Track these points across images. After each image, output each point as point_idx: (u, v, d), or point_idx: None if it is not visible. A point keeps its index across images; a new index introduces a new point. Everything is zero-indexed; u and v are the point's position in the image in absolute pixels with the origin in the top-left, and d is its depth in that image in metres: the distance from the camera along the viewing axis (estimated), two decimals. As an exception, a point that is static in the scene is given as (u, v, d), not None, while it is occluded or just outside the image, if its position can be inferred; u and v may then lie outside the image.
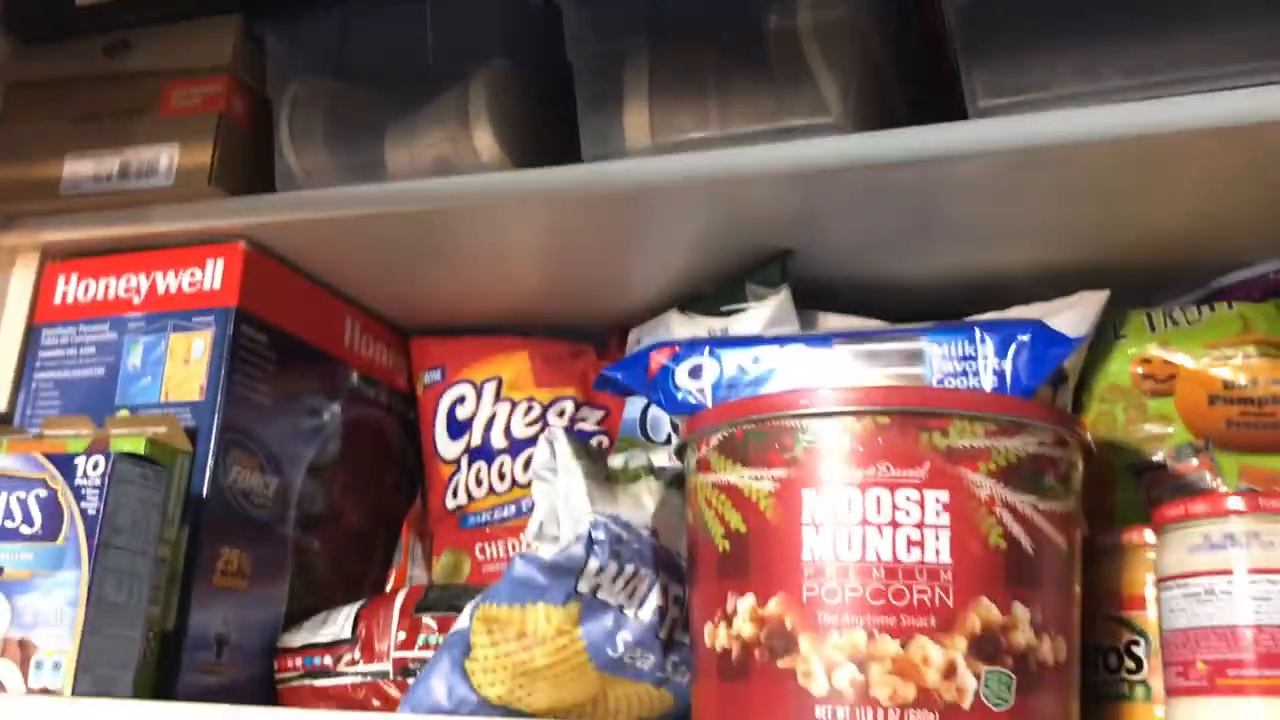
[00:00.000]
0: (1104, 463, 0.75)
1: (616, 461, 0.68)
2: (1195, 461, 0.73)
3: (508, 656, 0.64)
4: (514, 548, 0.89)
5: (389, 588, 0.93)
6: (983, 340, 0.59)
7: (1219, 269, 0.80)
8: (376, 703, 0.76)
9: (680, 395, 0.64)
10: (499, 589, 0.65)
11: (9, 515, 0.68)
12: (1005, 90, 0.63)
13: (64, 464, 0.68)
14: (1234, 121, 0.63)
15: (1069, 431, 0.58)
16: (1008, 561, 0.55)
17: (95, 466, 0.67)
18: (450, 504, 0.92)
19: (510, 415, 0.92)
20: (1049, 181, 0.70)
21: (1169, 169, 0.68)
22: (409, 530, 0.96)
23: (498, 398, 0.92)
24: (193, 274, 0.82)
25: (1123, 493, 0.75)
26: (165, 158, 0.81)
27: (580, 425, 0.91)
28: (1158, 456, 0.74)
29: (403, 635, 0.78)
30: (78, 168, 0.83)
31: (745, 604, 0.57)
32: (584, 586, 0.63)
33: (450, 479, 0.93)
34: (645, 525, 0.64)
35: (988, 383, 0.59)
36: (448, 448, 0.93)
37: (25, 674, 0.65)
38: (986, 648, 0.54)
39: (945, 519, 0.55)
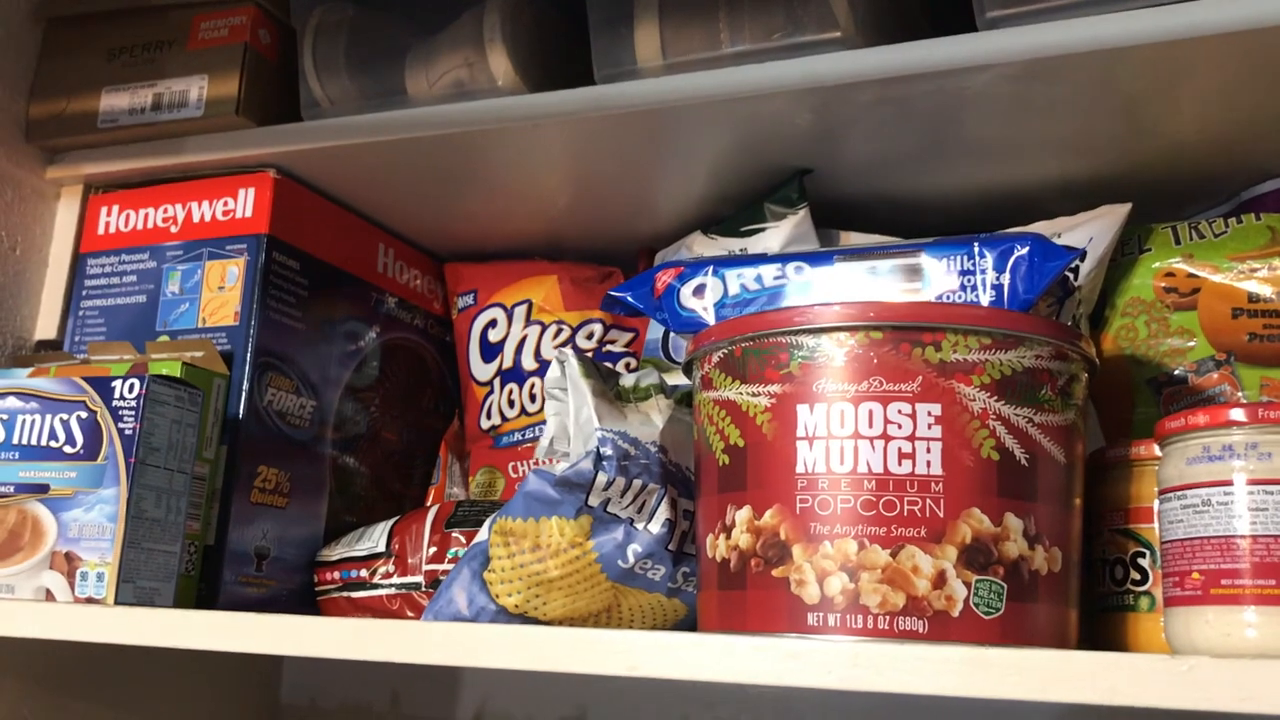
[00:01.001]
0: (1124, 377, 0.75)
1: (628, 380, 0.69)
2: (1216, 375, 0.72)
3: (523, 568, 0.67)
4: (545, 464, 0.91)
5: (427, 504, 0.96)
6: (981, 254, 0.59)
7: (1247, 180, 0.78)
8: (410, 613, 0.80)
9: (685, 314, 0.65)
10: (514, 503, 0.67)
11: (53, 435, 0.71)
12: (1012, 1, 0.62)
13: (102, 386, 0.71)
14: (1257, 24, 0.62)
15: (1069, 345, 0.58)
16: (1000, 473, 0.55)
17: (131, 389, 0.70)
18: (484, 424, 0.95)
19: (540, 337, 0.93)
20: (1065, 93, 0.69)
21: (1189, 77, 0.67)
22: (447, 449, 0.98)
23: (528, 320, 0.94)
24: (226, 203, 0.84)
25: (1143, 408, 0.75)
26: (195, 89, 0.83)
27: (609, 347, 0.93)
28: (1178, 370, 0.73)
29: (433, 549, 0.80)
30: (114, 101, 0.85)
31: (742, 515, 0.58)
32: (594, 500, 0.65)
33: (484, 400, 0.95)
34: (653, 441, 0.66)
35: (986, 297, 0.59)
36: (481, 370, 0.95)
37: (71, 584, 0.69)
38: (978, 557, 0.54)
39: (937, 431, 0.55)
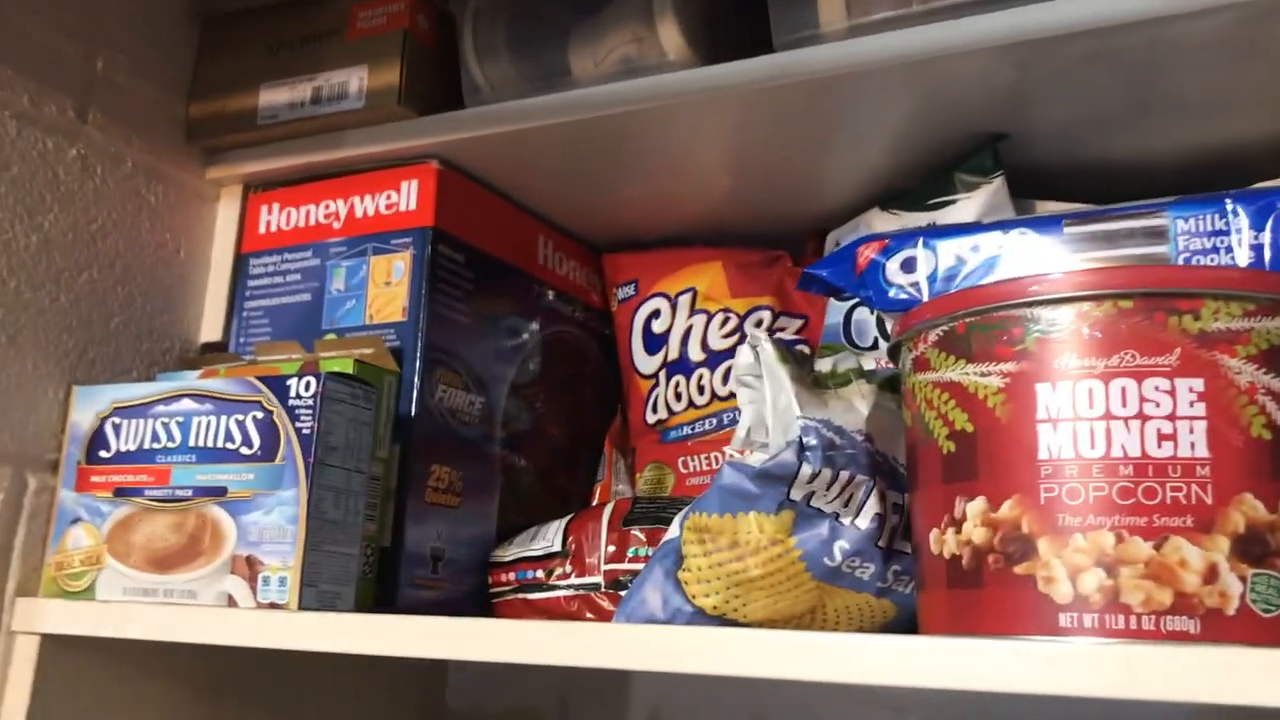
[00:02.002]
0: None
1: (824, 365, 0.64)
2: None
3: (721, 566, 0.63)
4: (716, 460, 0.87)
5: (594, 502, 0.93)
6: (1235, 212, 0.53)
7: None
8: (589, 615, 0.76)
9: (893, 291, 0.60)
10: (709, 498, 0.63)
11: (229, 437, 0.70)
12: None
13: (278, 386, 0.69)
14: None
15: (1340, 309, 0.52)
16: (1274, 454, 0.50)
17: (307, 387, 0.68)
18: (650, 419, 0.91)
19: (706, 327, 0.89)
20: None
21: None
22: (611, 445, 0.95)
23: (693, 310, 0.90)
24: (389, 196, 0.82)
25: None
26: (355, 80, 0.81)
27: (779, 334, 0.88)
28: None
29: (612, 548, 0.77)
30: (273, 96, 0.83)
31: (975, 507, 0.53)
32: (796, 494, 0.61)
33: (649, 394, 0.91)
34: (859, 430, 0.61)
35: (1243, 258, 0.53)
36: (645, 362, 0.92)
37: (254, 589, 0.67)
38: (1253, 548, 0.49)
39: (1200, 409, 0.50)
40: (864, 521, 0.61)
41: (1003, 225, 0.58)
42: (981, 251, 0.58)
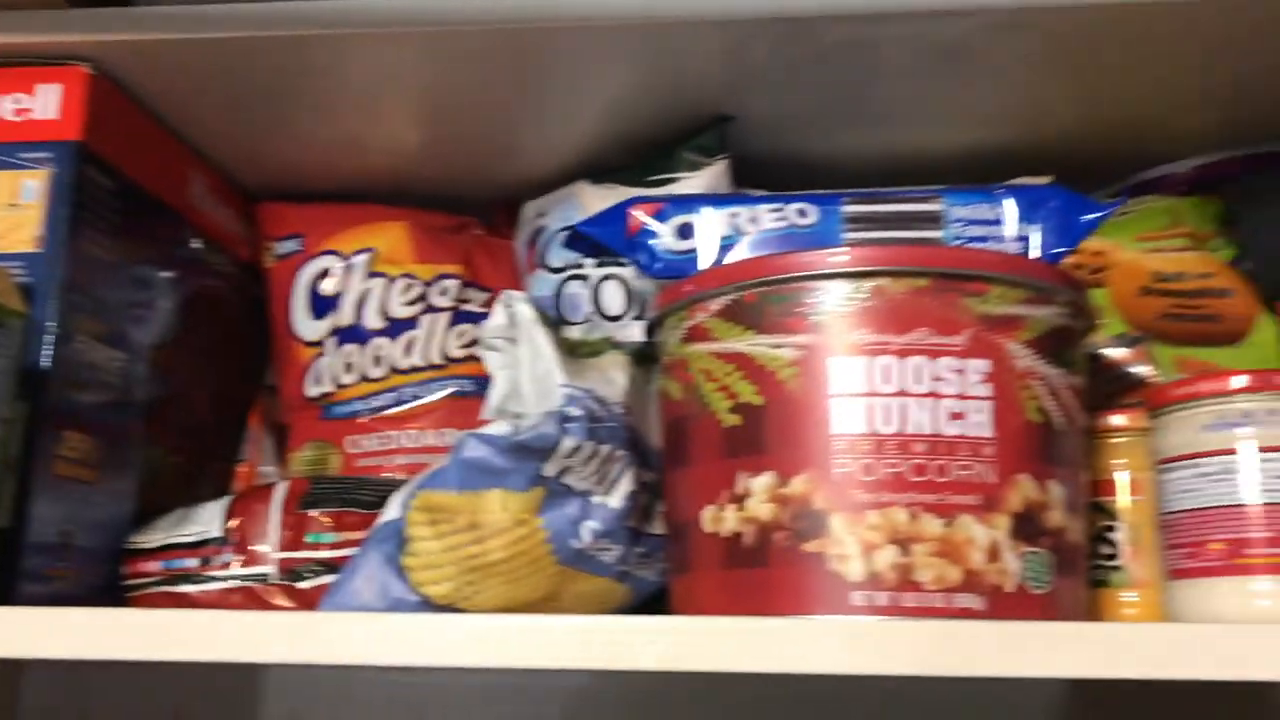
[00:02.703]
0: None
1: (575, 333, 0.60)
2: (1131, 353, 0.72)
3: (456, 550, 0.56)
4: (394, 440, 0.79)
5: (238, 486, 0.82)
6: (1006, 204, 0.55)
7: (1142, 163, 0.80)
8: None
9: (669, 257, 0.57)
10: (445, 474, 0.56)
11: None
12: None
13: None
14: None
15: (1086, 303, 0.55)
16: (1043, 438, 0.51)
17: (-76, 320, 0.53)
18: (312, 391, 0.81)
19: (387, 292, 0.81)
20: (989, 53, 0.65)
21: (1110, 51, 0.65)
22: (258, 421, 0.84)
23: (370, 272, 0.82)
24: (18, 100, 0.66)
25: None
26: (-15, -51, 0.65)
27: (465, 307, 0.82)
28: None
29: (287, 534, 0.67)
30: None
31: (762, 483, 0.51)
32: (550, 470, 0.56)
33: (312, 363, 0.82)
34: (618, 402, 0.57)
35: (1011, 249, 0.55)
36: (309, 328, 0.82)
37: None
38: (1027, 527, 0.50)
39: (987, 390, 0.50)
40: (616, 500, 0.57)
41: (784, 198, 0.57)
42: (759, 223, 0.56)
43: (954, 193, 0.55)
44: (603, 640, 0.47)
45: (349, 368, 0.81)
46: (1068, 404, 0.53)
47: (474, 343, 0.81)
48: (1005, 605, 0.49)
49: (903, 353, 0.50)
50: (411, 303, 0.81)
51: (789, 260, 0.52)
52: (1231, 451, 0.54)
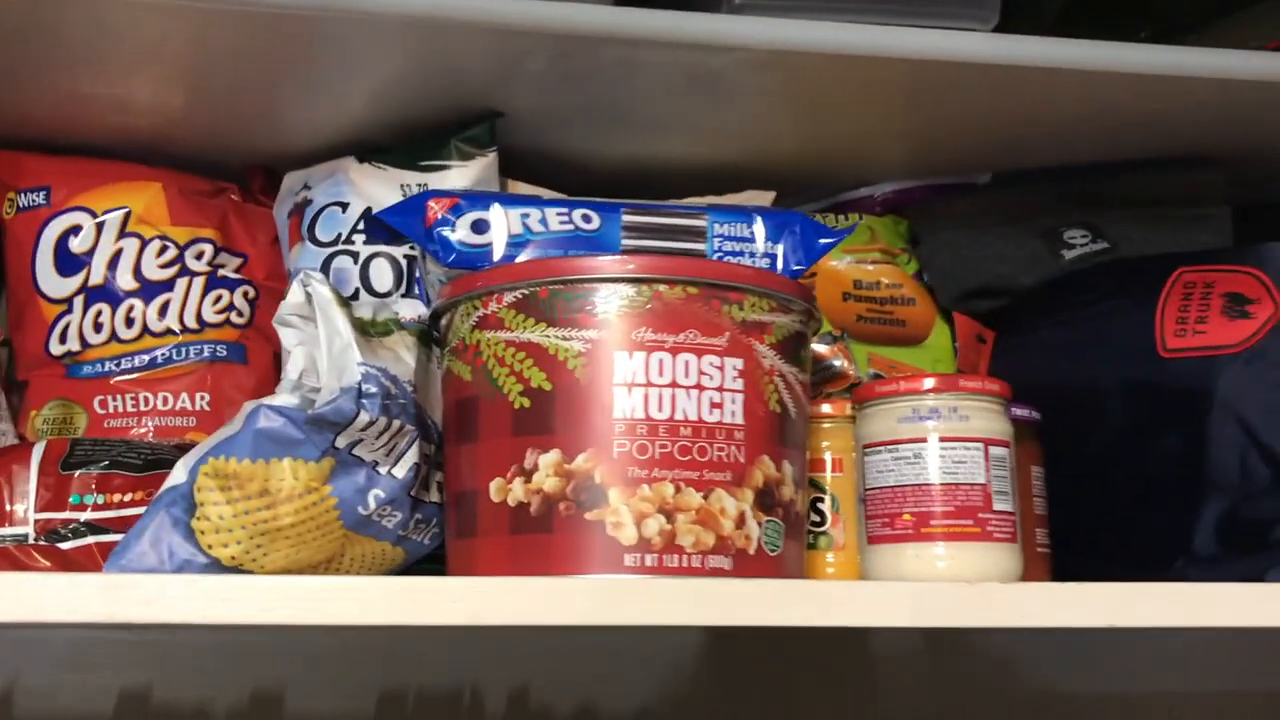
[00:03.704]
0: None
1: (364, 312, 0.64)
2: (834, 348, 0.84)
3: (246, 515, 0.59)
4: (146, 402, 0.79)
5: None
6: (757, 225, 0.64)
7: (846, 185, 0.92)
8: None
9: (464, 250, 0.62)
10: (237, 442, 0.59)
11: None
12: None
13: None
14: (864, 50, 0.71)
15: (815, 311, 0.65)
16: (781, 425, 0.61)
17: None
18: (56, 349, 0.80)
19: (141, 253, 0.81)
20: (736, 84, 0.74)
21: (830, 92, 0.75)
22: (-11, 378, 0.82)
23: (123, 232, 0.81)
24: None
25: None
26: None
27: (220, 271, 0.83)
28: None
29: (46, 495, 0.67)
30: None
31: (549, 459, 0.58)
32: (342, 442, 0.60)
33: (56, 320, 0.80)
34: (408, 380, 0.62)
35: (760, 264, 0.64)
36: (55, 284, 0.80)
37: None
38: (766, 500, 0.60)
39: (740, 384, 0.59)
40: (401, 471, 0.62)
41: (568, 204, 0.63)
42: (549, 224, 0.62)
43: (715, 211, 0.64)
44: (409, 600, 0.52)
45: (98, 327, 0.80)
46: (798, 396, 0.63)
47: (230, 308, 0.82)
48: (749, 566, 0.58)
49: (675, 350, 0.58)
50: (166, 265, 0.81)
51: (582, 263, 0.58)
52: (922, 440, 0.66)
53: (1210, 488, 0.73)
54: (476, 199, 0.62)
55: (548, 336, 0.58)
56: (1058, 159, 0.88)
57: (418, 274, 0.76)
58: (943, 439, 0.66)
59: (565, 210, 0.62)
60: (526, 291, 0.59)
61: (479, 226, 0.61)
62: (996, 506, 0.66)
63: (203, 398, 0.80)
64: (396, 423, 0.61)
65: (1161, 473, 0.75)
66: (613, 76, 0.74)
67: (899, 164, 0.90)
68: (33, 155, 0.82)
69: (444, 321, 0.64)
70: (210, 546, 0.59)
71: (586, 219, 0.62)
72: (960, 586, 0.60)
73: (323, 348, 0.60)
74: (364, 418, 0.59)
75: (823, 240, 0.64)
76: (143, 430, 0.79)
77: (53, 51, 0.71)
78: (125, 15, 0.66)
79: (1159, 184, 0.87)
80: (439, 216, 0.62)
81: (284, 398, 0.60)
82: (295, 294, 0.61)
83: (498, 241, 0.62)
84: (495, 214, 0.62)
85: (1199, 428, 0.73)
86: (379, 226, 0.64)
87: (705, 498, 0.58)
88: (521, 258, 0.62)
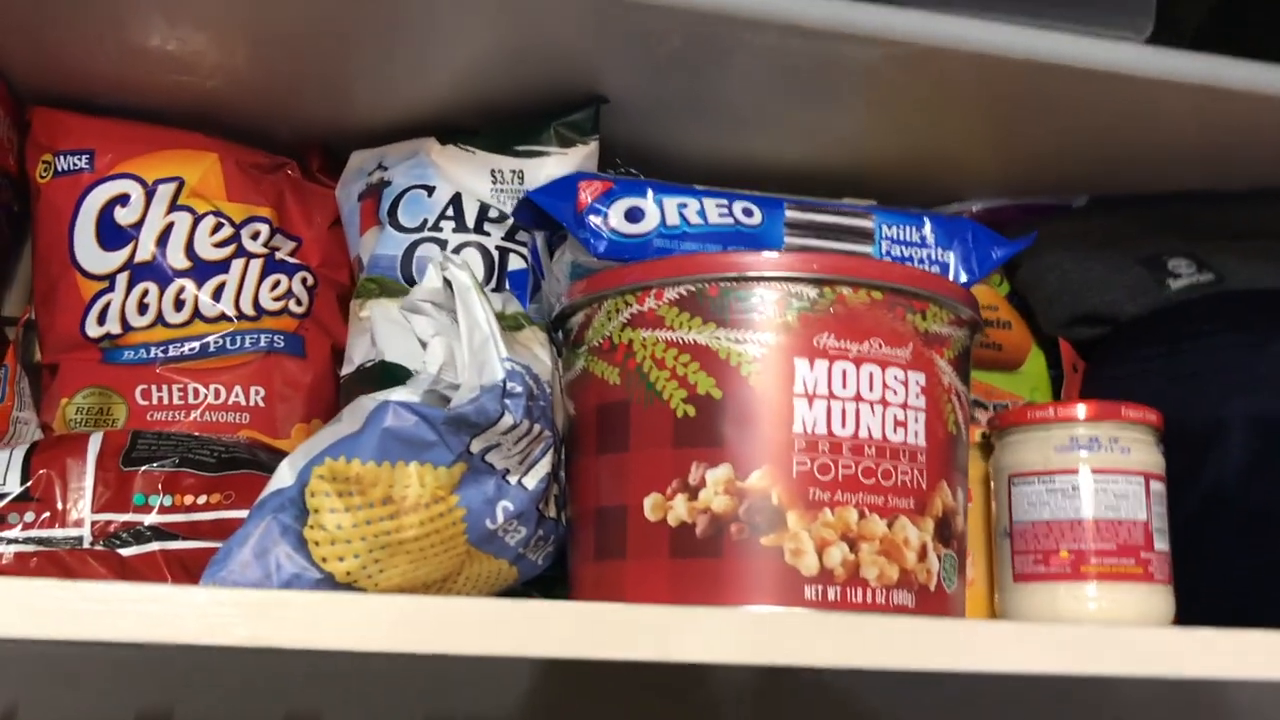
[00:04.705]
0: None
1: (495, 304, 0.57)
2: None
3: (368, 525, 0.52)
4: (196, 394, 0.71)
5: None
6: (928, 229, 0.59)
7: (939, 198, 0.88)
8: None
9: (620, 239, 0.55)
10: (361, 442, 0.52)
11: None
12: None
13: None
14: (1010, 53, 0.66)
15: (981, 328, 0.60)
16: (955, 448, 0.56)
17: None
18: (93, 331, 0.71)
19: (194, 229, 0.73)
20: (841, 73, 0.68)
21: (926, 92, 0.71)
22: (14, 358, 0.73)
23: (174, 204, 0.73)
24: None
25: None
26: None
27: (278, 254, 0.76)
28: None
29: (105, 493, 0.59)
30: None
31: (718, 475, 0.52)
32: (477, 446, 0.53)
33: (95, 299, 0.72)
34: (548, 380, 0.55)
35: (932, 272, 0.59)
36: (96, 258, 0.72)
37: None
38: (945, 530, 0.54)
39: (922, 401, 0.54)
40: (532, 481, 0.55)
41: (728, 195, 0.57)
42: (707, 217, 0.56)
43: (883, 212, 0.58)
44: (597, 630, 0.46)
45: (143, 308, 0.72)
46: (967, 417, 0.58)
47: (288, 294, 0.75)
48: (929, 603, 0.53)
49: (859, 360, 0.53)
50: (222, 244, 0.73)
51: (759, 259, 0.53)
52: (1079, 472, 0.61)
53: (1339, 530, 0.70)
54: (631, 185, 0.56)
55: (718, 338, 0.52)
56: (1157, 185, 0.85)
57: (509, 268, 0.70)
58: (1103, 471, 0.61)
59: (725, 203, 0.56)
60: (694, 287, 0.53)
61: (633, 215, 0.55)
62: (1157, 546, 0.61)
63: (258, 392, 0.72)
64: (537, 427, 0.54)
65: (1284, 512, 0.72)
66: (728, 67, 0.68)
67: (993, 180, 0.86)
68: (75, 114, 0.74)
69: (578, 318, 0.57)
70: (325, 560, 0.52)
71: (748, 213, 0.57)
72: (1189, 634, 0.54)
73: (463, 339, 0.53)
74: (507, 420, 0.52)
75: (997, 251, 0.59)
76: (188, 424, 0.71)
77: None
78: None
79: (1261, 215, 0.84)
80: (590, 203, 0.55)
81: (411, 393, 0.53)
82: (431, 278, 0.54)
83: (650, 231, 0.56)
84: (650, 202, 0.55)
85: (1332, 468, 0.70)
86: (525, 209, 0.57)
87: (890, 526, 0.52)
88: (678, 251, 0.56)
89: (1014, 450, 0.63)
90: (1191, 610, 0.65)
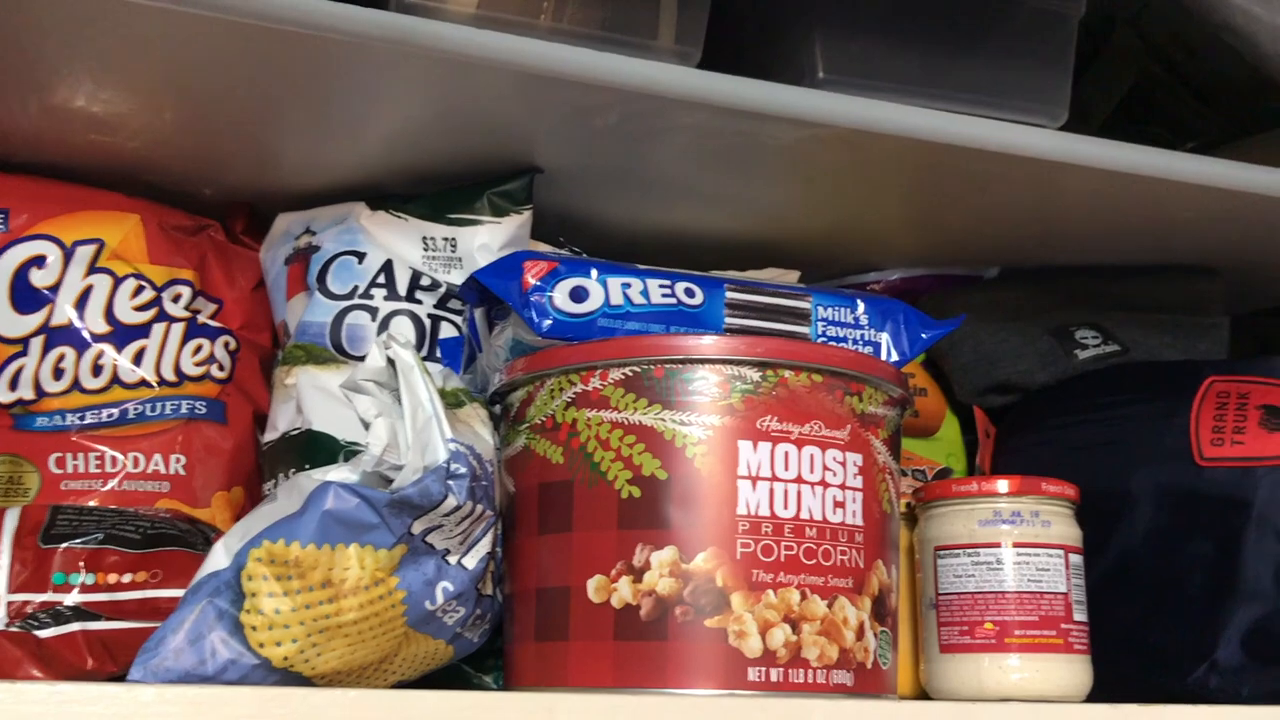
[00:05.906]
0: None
1: (436, 380, 0.57)
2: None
3: (307, 610, 0.51)
4: (113, 462, 0.69)
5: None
6: (861, 310, 0.60)
7: (857, 268, 0.90)
8: (-24, 666, 0.55)
9: (564, 318, 0.55)
10: (300, 524, 0.51)
11: None
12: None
13: None
14: (930, 137, 0.69)
15: (911, 407, 0.62)
16: (888, 526, 0.57)
17: None
18: (4, 397, 0.69)
19: (113, 292, 0.71)
20: (767, 151, 0.70)
21: (847, 172, 0.73)
22: (-84, 425, 0.70)
23: (93, 266, 0.71)
24: None
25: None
26: None
27: (200, 318, 0.74)
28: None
29: (23, 572, 0.57)
30: None
31: (663, 557, 0.52)
32: (419, 528, 0.53)
33: (8, 363, 0.69)
34: (490, 459, 0.55)
35: (863, 352, 0.60)
36: (10, 322, 0.69)
37: None
38: (880, 608, 0.55)
39: (859, 482, 0.55)
40: (472, 561, 0.55)
41: (671, 275, 0.58)
42: (650, 297, 0.57)
43: (819, 293, 0.60)
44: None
45: (59, 373, 0.70)
46: (898, 495, 0.59)
47: (210, 359, 0.73)
48: (867, 681, 0.54)
49: (800, 442, 0.54)
50: (143, 307, 0.72)
51: (704, 342, 0.53)
52: (1002, 545, 0.63)
53: (1241, 597, 0.73)
54: (576, 265, 0.56)
55: (662, 419, 0.53)
56: (1065, 259, 0.89)
57: (440, 336, 0.69)
58: (1025, 545, 0.63)
59: (669, 283, 0.57)
60: (640, 369, 0.53)
61: (578, 294, 0.56)
62: (1076, 617, 0.63)
63: (178, 460, 0.71)
64: (479, 507, 0.54)
65: (1189, 579, 0.75)
66: (659, 142, 0.69)
67: (911, 252, 0.88)
68: (-9, 172, 0.71)
69: (519, 394, 0.57)
70: (262, 645, 0.51)
71: (690, 293, 0.57)
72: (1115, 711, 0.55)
73: (406, 419, 0.53)
74: (450, 502, 0.52)
75: (927, 332, 0.60)
76: (104, 494, 0.69)
77: (26, 57, 0.61)
78: (111, 19, 0.57)
79: (1162, 289, 0.88)
80: (534, 283, 0.56)
81: (351, 473, 0.53)
82: (374, 356, 0.54)
83: (594, 310, 0.56)
84: (595, 282, 0.56)
85: (1234, 537, 0.73)
86: (469, 289, 0.57)
87: (830, 606, 0.53)
88: (622, 332, 0.56)
89: (939, 523, 0.65)
90: (1101, 678, 0.67)
